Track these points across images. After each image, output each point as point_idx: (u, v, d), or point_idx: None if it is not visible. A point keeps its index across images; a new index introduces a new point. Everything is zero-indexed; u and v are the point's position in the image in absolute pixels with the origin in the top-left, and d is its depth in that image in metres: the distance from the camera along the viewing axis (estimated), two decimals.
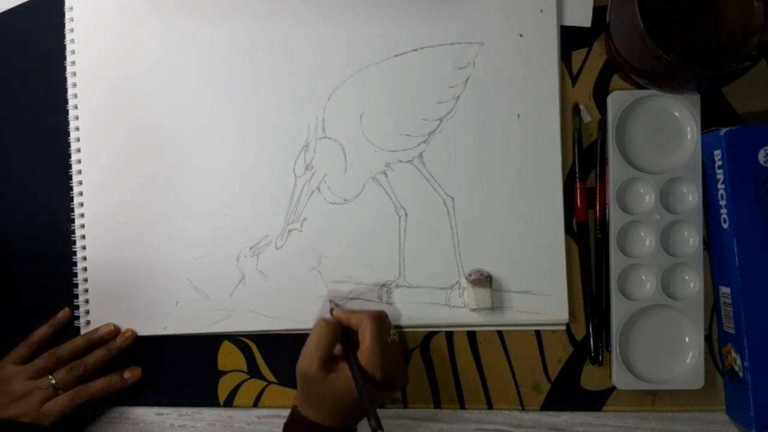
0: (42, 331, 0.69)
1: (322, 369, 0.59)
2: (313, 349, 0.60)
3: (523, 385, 0.67)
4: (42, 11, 0.72)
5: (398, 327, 0.67)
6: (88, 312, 0.70)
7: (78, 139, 0.70)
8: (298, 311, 0.67)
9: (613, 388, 0.66)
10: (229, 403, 0.69)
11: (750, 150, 0.61)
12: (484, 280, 0.66)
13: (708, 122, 0.64)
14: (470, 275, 0.66)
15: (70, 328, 0.70)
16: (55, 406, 0.65)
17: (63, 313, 0.70)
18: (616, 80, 0.67)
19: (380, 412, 0.68)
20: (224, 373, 0.69)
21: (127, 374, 0.68)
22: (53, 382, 0.66)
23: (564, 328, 0.67)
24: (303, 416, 0.60)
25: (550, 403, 0.67)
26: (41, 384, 0.66)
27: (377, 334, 0.60)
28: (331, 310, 0.65)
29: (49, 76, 0.71)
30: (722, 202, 0.63)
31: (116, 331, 0.69)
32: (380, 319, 0.61)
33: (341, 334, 0.61)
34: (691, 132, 0.65)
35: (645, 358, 0.65)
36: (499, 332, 0.67)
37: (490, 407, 0.67)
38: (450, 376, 0.67)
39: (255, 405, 0.69)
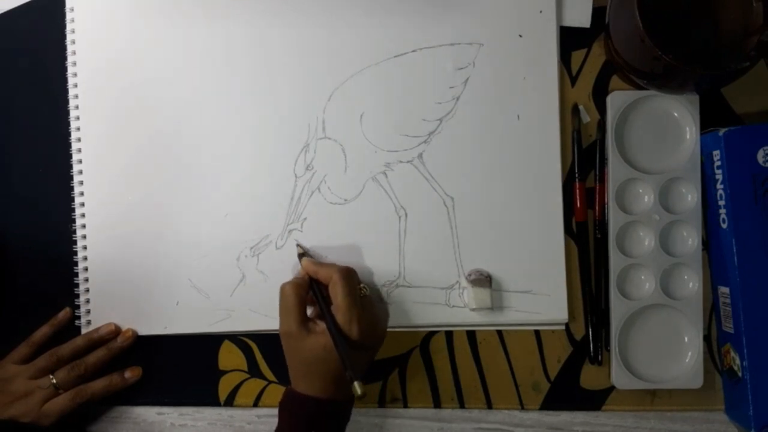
0: (43, 331, 0.69)
1: (302, 327, 0.59)
2: (286, 312, 0.60)
3: (523, 385, 0.67)
4: (43, 11, 0.72)
5: (399, 327, 0.67)
6: (88, 312, 0.70)
7: (79, 139, 0.70)
8: None
9: (613, 387, 0.66)
10: (229, 402, 0.69)
11: (749, 150, 0.61)
12: (483, 280, 0.66)
13: (707, 122, 0.65)
14: (470, 275, 0.66)
15: (71, 328, 0.70)
16: (55, 405, 0.65)
17: (64, 313, 0.70)
18: (615, 80, 0.67)
19: (378, 412, 0.68)
20: (225, 372, 0.69)
21: (127, 374, 0.68)
22: (54, 381, 0.66)
23: (563, 327, 0.67)
24: (296, 393, 0.59)
25: (550, 403, 0.67)
26: (42, 384, 0.66)
27: (348, 290, 0.60)
28: (300, 256, 0.66)
29: (50, 75, 0.71)
30: (721, 202, 0.63)
31: (117, 331, 0.69)
32: (349, 275, 0.61)
33: (312, 288, 0.62)
34: (690, 132, 0.65)
35: (644, 357, 0.65)
36: (499, 332, 0.67)
37: (489, 407, 0.67)
38: (450, 375, 0.67)
39: (255, 404, 0.69)
